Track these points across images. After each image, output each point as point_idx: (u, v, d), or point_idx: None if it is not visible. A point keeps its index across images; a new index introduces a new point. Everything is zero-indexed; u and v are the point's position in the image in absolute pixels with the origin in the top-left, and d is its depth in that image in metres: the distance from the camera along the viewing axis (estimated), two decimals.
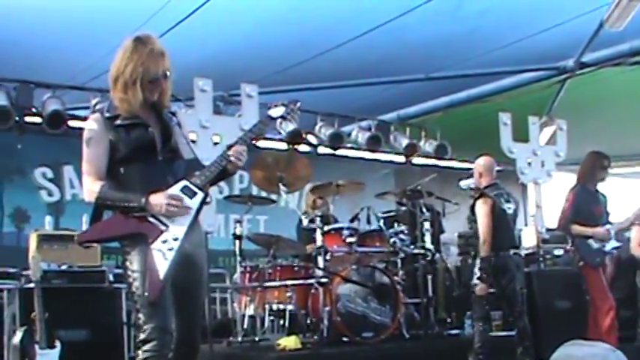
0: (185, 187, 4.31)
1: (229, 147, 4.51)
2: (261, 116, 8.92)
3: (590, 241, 8.66)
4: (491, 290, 8.01)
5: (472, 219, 8.56)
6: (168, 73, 4.40)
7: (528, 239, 10.56)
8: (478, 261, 8.07)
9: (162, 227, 4.19)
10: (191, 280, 4.40)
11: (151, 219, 4.20)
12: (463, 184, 9.12)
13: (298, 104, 4.88)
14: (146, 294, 4.13)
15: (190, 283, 4.39)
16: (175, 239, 4.16)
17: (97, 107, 8.99)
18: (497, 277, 7.97)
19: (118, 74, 4.33)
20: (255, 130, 4.67)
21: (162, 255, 4.12)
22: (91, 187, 4.30)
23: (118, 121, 4.37)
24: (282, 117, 4.82)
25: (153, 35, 4.47)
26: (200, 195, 4.33)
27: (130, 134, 4.35)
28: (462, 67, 10.55)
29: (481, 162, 8.47)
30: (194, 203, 4.30)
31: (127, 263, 4.27)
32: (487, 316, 8.13)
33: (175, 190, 4.29)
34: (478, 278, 7.98)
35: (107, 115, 4.45)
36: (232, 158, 4.44)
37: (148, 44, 4.34)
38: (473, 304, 8.19)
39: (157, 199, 4.19)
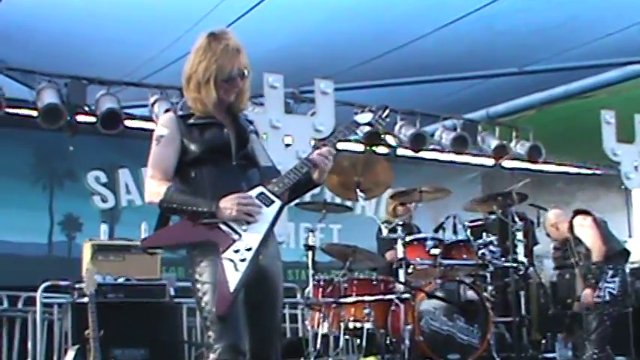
0: (261, 193, 4.30)
1: (313, 150, 4.51)
2: (336, 115, 9.05)
3: None
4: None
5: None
6: (245, 72, 4.42)
7: (634, 252, 10.44)
8: (609, 273, 8.01)
9: (235, 236, 4.17)
10: (266, 294, 4.38)
11: (223, 226, 4.19)
12: None
13: (387, 111, 4.85)
14: (213, 309, 4.11)
15: (265, 298, 4.37)
16: (248, 249, 4.14)
17: (156, 106, 9.07)
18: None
19: (191, 73, 4.38)
20: (339, 135, 4.64)
21: (234, 266, 4.10)
22: (155, 189, 4.30)
23: (192, 120, 4.42)
24: (370, 124, 4.79)
25: (229, 30, 4.50)
26: (277, 203, 4.30)
27: (203, 134, 4.38)
28: (559, 59, 10.47)
29: (551, 216, 8.58)
30: (270, 212, 4.27)
31: (197, 275, 4.24)
32: (608, 339, 8.00)
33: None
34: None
35: (180, 113, 4.50)
36: (318, 161, 4.41)
37: (222, 40, 4.37)
38: (591, 322, 8.07)
39: (227, 201, 4.18)
